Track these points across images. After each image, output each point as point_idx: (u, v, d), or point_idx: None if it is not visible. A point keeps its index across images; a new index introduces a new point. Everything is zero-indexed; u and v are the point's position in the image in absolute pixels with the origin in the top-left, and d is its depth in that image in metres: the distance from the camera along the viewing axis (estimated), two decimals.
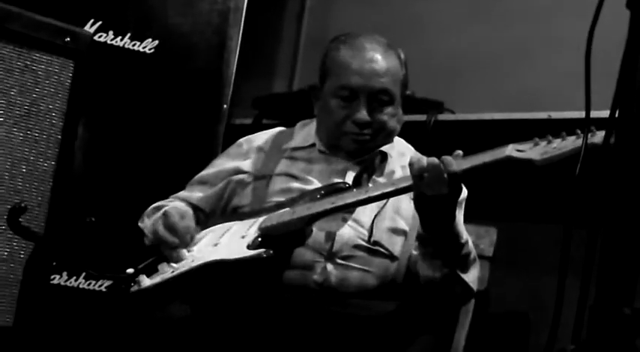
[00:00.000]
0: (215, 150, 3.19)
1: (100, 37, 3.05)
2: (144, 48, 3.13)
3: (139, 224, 2.37)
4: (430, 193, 1.88)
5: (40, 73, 2.07)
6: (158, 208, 2.35)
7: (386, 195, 2.03)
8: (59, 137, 2.08)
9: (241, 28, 3.27)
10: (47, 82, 2.08)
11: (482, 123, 3.02)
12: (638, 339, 1.31)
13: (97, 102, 3.01)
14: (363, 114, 2.21)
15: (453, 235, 2.00)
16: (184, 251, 2.13)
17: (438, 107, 3.19)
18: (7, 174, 2.05)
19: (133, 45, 3.12)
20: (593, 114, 1.57)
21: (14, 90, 2.05)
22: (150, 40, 3.13)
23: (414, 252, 2.17)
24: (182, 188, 2.48)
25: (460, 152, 1.92)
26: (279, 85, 4.10)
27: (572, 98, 2.94)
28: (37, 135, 2.07)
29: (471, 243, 2.09)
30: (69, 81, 2.10)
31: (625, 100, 1.40)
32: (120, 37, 3.09)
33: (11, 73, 2.07)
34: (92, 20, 3.03)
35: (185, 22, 3.20)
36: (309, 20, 4.11)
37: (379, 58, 2.24)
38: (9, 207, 1.91)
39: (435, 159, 1.89)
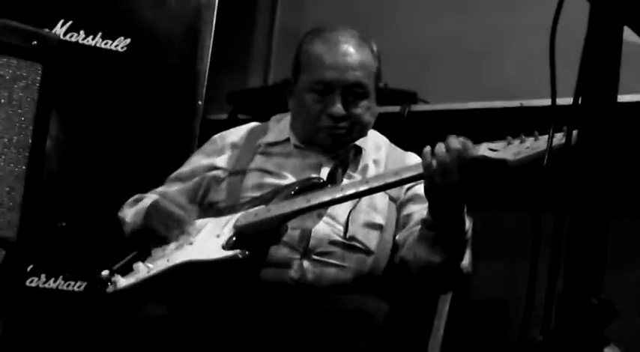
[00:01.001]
0: (191, 146, 3.19)
1: (71, 36, 3.03)
2: (116, 46, 3.12)
3: (119, 214, 2.38)
4: (442, 182, 1.89)
5: (7, 77, 2.07)
6: (138, 200, 2.37)
7: (383, 188, 2.04)
8: (29, 141, 2.07)
9: (214, 23, 3.27)
10: (15, 86, 2.07)
11: (457, 112, 3.03)
12: (606, 329, 1.32)
13: (70, 102, 3.01)
14: (338, 108, 2.22)
15: (460, 222, 2.00)
16: (159, 250, 2.14)
17: (412, 98, 3.19)
18: None
19: (105, 44, 3.11)
20: (560, 101, 1.58)
21: None
22: (122, 38, 3.12)
23: (409, 239, 2.16)
24: (160, 185, 2.49)
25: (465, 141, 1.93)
26: (254, 80, 4.10)
27: (545, 86, 2.97)
28: (6, 140, 2.07)
29: (470, 228, 2.08)
30: (37, 84, 2.10)
31: (587, 89, 1.40)
32: (91, 37, 3.08)
33: None
34: (62, 20, 3.02)
35: (157, 19, 3.20)
36: (282, 13, 4.11)
37: (353, 52, 2.25)
38: None
39: (444, 149, 1.91)
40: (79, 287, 2.89)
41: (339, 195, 2.03)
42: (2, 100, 2.03)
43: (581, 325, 1.31)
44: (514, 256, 3.11)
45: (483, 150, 1.87)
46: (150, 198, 2.34)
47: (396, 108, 3.09)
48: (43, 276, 2.86)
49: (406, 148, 2.42)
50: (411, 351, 2.32)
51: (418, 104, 3.14)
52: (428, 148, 1.96)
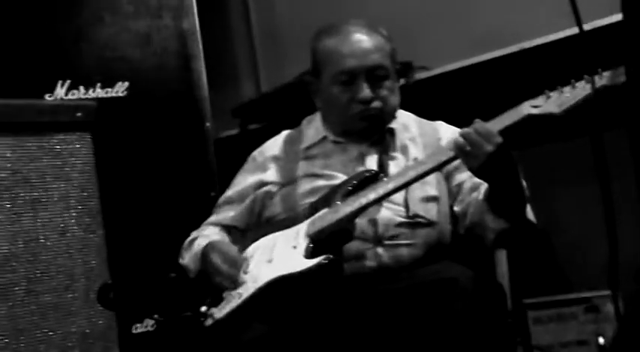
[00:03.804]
0: (211, 168, 3.29)
1: (72, 94, 3.09)
2: (117, 92, 3.19)
3: (180, 261, 2.46)
4: (481, 160, 1.99)
5: (64, 153, 2.16)
6: (192, 241, 2.45)
7: (440, 166, 2.13)
8: (99, 206, 2.16)
9: (201, 46, 3.35)
10: (72, 158, 2.16)
11: (460, 71, 3.12)
12: None
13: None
14: (366, 92, 2.31)
15: (518, 185, 2.10)
16: (241, 275, 2.23)
17: (409, 66, 3.28)
18: (65, 254, 2.15)
19: (106, 93, 3.17)
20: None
21: (48, 176, 2.13)
22: (120, 83, 3.19)
23: (469, 209, 2.25)
24: (192, 215, 2.58)
25: (478, 120, 2.02)
26: (247, 88, 4.17)
27: (538, 25, 3.06)
28: (80, 210, 2.16)
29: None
30: (91, 152, 2.19)
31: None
32: (91, 90, 3.14)
33: (40, 161, 2.15)
34: (60, 81, 3.08)
35: (147, 56, 3.26)
36: (256, 17, 4.16)
37: (365, 38, 2.35)
38: (76, 285, 2.01)
39: (468, 129, 2.00)
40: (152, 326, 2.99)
41: (401, 180, 2.13)
42: (67, 175, 2.12)
43: None
44: (548, 185, 3.19)
45: (526, 108, 1.96)
46: (202, 238, 2.42)
47: (401, 81, 3.17)
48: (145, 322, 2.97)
49: (425, 117, 2.52)
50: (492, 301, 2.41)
51: (418, 72, 3.23)
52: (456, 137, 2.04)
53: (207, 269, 2.30)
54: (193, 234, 2.49)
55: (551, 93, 1.93)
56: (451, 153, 2.08)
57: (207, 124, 3.33)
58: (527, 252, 3.35)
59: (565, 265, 3.35)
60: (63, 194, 2.18)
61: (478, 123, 2.00)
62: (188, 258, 2.42)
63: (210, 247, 2.32)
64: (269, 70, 4.07)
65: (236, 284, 2.21)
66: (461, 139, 2.02)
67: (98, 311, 2.27)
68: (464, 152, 2.02)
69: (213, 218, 2.52)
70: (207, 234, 2.44)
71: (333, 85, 2.35)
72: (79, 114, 2.16)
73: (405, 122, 2.46)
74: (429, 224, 2.29)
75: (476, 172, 2.07)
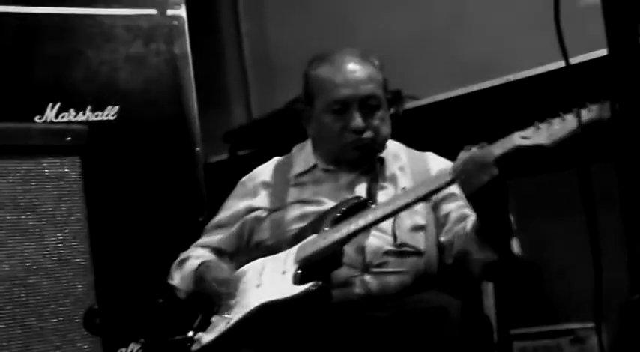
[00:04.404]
0: (200, 193, 3.30)
1: (62, 117, 3.09)
2: (107, 116, 3.19)
3: (169, 281, 2.47)
4: (475, 187, 1.99)
5: (53, 176, 2.17)
6: (183, 261, 2.46)
7: (428, 195, 2.14)
8: (86, 230, 2.17)
9: (192, 71, 3.36)
10: (62, 183, 2.17)
11: (448, 102, 3.14)
12: None
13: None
14: (358, 122, 2.33)
15: (506, 218, 2.10)
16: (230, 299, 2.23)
17: (398, 96, 3.30)
18: (51, 278, 2.15)
19: (96, 116, 3.17)
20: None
21: (36, 200, 2.14)
22: (110, 106, 3.19)
23: (455, 240, 2.26)
24: (180, 240, 2.58)
25: (484, 144, 2.03)
26: (238, 113, 4.19)
27: (525, 55, 3.09)
28: (67, 233, 2.17)
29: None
30: (80, 176, 2.19)
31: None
32: (82, 112, 3.14)
33: (29, 184, 2.16)
34: (51, 104, 3.09)
35: (138, 79, 3.27)
36: (248, 42, 4.19)
37: (359, 68, 2.37)
38: (61, 309, 2.01)
39: (467, 154, 2.01)
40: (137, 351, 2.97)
41: (390, 208, 2.14)
42: (55, 199, 2.12)
43: None
44: (539, 219, 3.21)
45: (517, 139, 1.97)
46: (192, 258, 2.43)
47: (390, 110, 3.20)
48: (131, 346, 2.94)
49: (413, 147, 2.54)
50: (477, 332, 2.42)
51: (407, 101, 3.25)
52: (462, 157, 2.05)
53: (203, 288, 2.30)
54: (183, 255, 2.50)
55: (541, 125, 1.94)
56: (440, 183, 2.09)
57: (197, 149, 3.34)
58: (515, 283, 3.37)
59: (552, 296, 3.35)
60: (51, 218, 2.19)
61: (474, 152, 2.01)
62: (179, 278, 2.43)
63: (205, 266, 2.34)
64: (260, 95, 4.09)
65: (230, 304, 2.20)
66: (459, 165, 2.02)
67: (83, 335, 2.27)
68: (460, 179, 2.02)
69: (201, 240, 2.54)
70: (199, 255, 2.45)
71: (326, 114, 2.37)
72: (68, 137, 2.17)
73: (395, 151, 2.48)
74: (417, 253, 2.30)
75: (468, 198, 2.06)
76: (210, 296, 2.28)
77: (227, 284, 2.26)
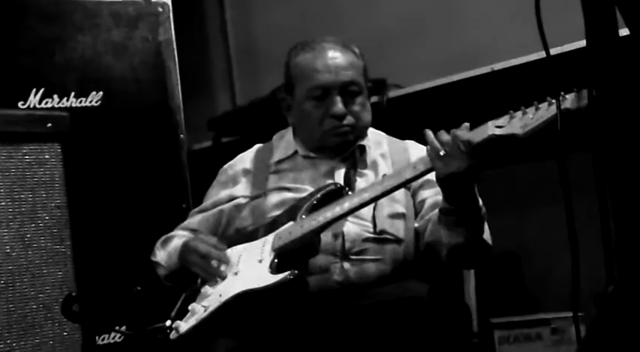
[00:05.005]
0: (184, 180, 3.29)
1: (46, 103, 3.09)
2: (90, 102, 3.19)
3: (152, 258, 2.47)
4: (453, 170, 1.98)
5: (33, 163, 2.16)
6: (167, 239, 2.47)
7: (405, 183, 2.13)
8: (67, 217, 2.16)
9: (176, 58, 3.35)
10: (42, 169, 2.16)
11: (432, 90, 3.14)
12: None
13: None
14: (339, 108, 2.33)
15: (475, 201, 2.10)
16: (206, 287, 2.23)
17: (382, 84, 3.30)
18: (31, 265, 2.15)
19: (80, 102, 3.17)
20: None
21: (16, 186, 2.13)
22: (94, 93, 3.19)
23: (428, 226, 2.26)
24: (163, 227, 2.57)
25: (466, 124, 2.01)
26: (223, 101, 4.18)
27: (509, 45, 3.10)
28: (47, 220, 2.16)
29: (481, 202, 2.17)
30: (61, 163, 2.19)
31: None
32: (65, 98, 3.14)
33: (9, 171, 2.15)
34: (34, 89, 3.08)
35: (122, 66, 3.27)
36: (233, 30, 4.17)
37: (339, 54, 2.37)
38: (41, 296, 2.01)
39: (447, 136, 1.99)
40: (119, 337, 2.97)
41: (366, 196, 2.14)
42: (34, 186, 2.12)
43: None
44: (517, 209, 3.23)
45: (490, 129, 1.95)
46: (179, 236, 2.44)
47: (374, 99, 3.21)
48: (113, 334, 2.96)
49: (393, 136, 2.54)
50: (455, 321, 2.43)
51: (391, 90, 3.26)
52: (431, 135, 2.05)
53: (187, 261, 2.30)
54: (166, 235, 2.50)
55: (515, 114, 1.93)
56: (417, 171, 2.08)
57: (182, 136, 3.34)
58: (494, 272, 3.39)
59: (533, 286, 3.37)
60: (31, 204, 2.18)
61: (459, 133, 1.99)
62: (163, 255, 2.43)
63: (192, 238, 2.34)
64: (245, 83, 4.08)
65: (207, 293, 2.20)
66: (437, 144, 2.02)
67: (62, 322, 2.27)
68: (437, 156, 2.01)
69: (183, 224, 2.54)
70: (183, 235, 2.46)
71: (307, 100, 2.37)
72: (49, 124, 2.16)
73: (377, 139, 2.48)
74: (396, 241, 2.30)
75: (440, 179, 2.06)
76: (191, 272, 2.27)
77: (215, 249, 2.25)
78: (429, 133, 2.06)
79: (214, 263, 2.24)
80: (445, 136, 2.01)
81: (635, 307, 1.42)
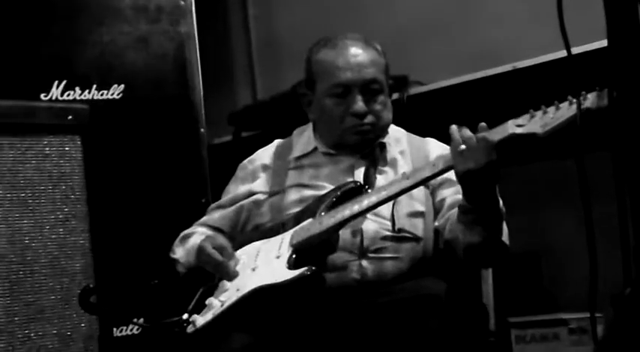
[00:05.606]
0: (204, 174, 3.30)
1: (68, 95, 3.10)
2: (112, 95, 3.20)
3: (171, 255, 2.48)
4: (471, 166, 1.97)
5: (53, 155, 2.17)
6: (186, 236, 2.47)
7: (424, 181, 2.12)
8: (86, 209, 2.18)
9: (198, 52, 3.36)
10: (62, 161, 2.17)
11: (453, 88, 3.13)
12: None
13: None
14: (360, 106, 2.33)
15: (494, 200, 2.09)
16: (232, 267, 2.24)
17: (404, 81, 3.29)
18: (49, 256, 2.16)
19: (101, 95, 3.18)
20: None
21: (36, 178, 2.15)
22: (115, 85, 3.20)
23: (447, 224, 2.25)
24: (182, 221, 2.58)
25: (484, 124, 2.00)
26: (244, 95, 4.18)
27: (532, 43, 3.08)
28: (66, 212, 2.17)
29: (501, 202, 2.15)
30: (80, 155, 2.20)
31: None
32: (87, 91, 3.15)
33: (29, 163, 2.17)
34: (57, 82, 3.09)
35: (143, 58, 3.27)
36: (255, 25, 4.18)
37: (361, 52, 2.36)
38: (59, 287, 2.02)
39: (469, 133, 1.99)
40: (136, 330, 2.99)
41: (384, 194, 2.13)
42: (54, 178, 2.13)
43: None
44: (536, 207, 3.21)
45: (511, 127, 1.95)
46: (197, 234, 2.44)
47: (394, 96, 3.19)
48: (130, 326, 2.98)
49: (414, 133, 2.53)
50: (472, 320, 2.42)
51: (413, 86, 3.25)
52: (455, 131, 2.04)
53: (203, 261, 2.30)
54: (186, 231, 2.51)
55: (536, 113, 1.92)
56: (436, 169, 2.08)
57: (202, 130, 3.34)
58: (514, 271, 3.38)
59: (552, 286, 3.35)
60: (50, 196, 2.20)
61: (480, 133, 1.98)
62: (182, 252, 2.44)
63: (206, 238, 2.34)
64: (266, 78, 4.09)
65: (225, 287, 2.21)
66: (459, 138, 2.00)
67: (80, 313, 2.28)
68: (457, 151, 2.00)
69: (203, 219, 2.55)
70: (202, 232, 2.46)
71: (328, 98, 2.37)
72: (70, 117, 2.18)
73: (397, 137, 2.47)
74: (415, 239, 2.30)
75: (459, 176, 2.04)
76: (209, 271, 2.27)
77: (226, 252, 2.25)
78: (454, 128, 2.05)
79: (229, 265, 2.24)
80: (467, 132, 2.01)
81: None
